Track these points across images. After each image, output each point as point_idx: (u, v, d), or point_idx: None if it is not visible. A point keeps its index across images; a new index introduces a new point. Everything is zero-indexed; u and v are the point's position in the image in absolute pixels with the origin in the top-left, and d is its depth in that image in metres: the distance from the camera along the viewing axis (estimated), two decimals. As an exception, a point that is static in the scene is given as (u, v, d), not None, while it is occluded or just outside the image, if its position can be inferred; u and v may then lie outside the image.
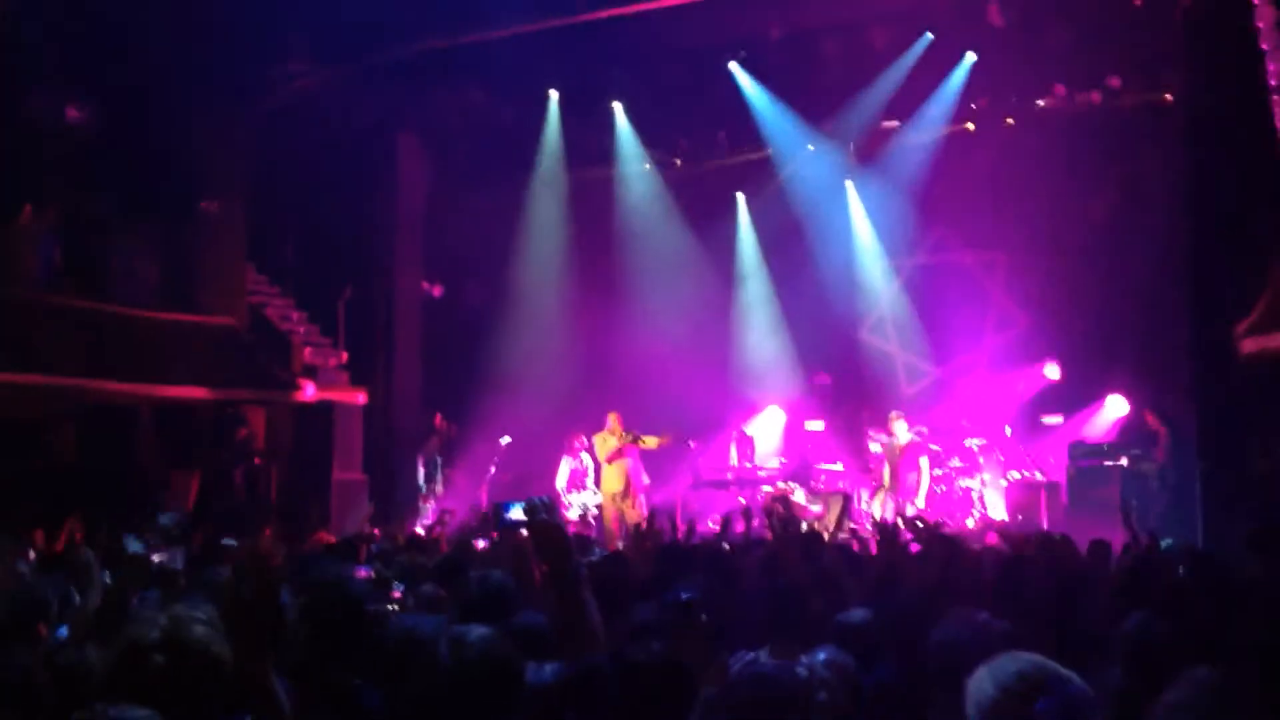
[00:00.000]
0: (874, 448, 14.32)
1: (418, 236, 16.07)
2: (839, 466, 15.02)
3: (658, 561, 5.94)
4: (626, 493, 13.41)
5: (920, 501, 13.15)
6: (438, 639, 2.86)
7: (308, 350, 14.55)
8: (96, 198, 12.80)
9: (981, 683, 1.99)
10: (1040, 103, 14.74)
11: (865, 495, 14.19)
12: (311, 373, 14.22)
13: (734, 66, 15.32)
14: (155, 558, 5.26)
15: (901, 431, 13.47)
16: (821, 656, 3.37)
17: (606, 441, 13.57)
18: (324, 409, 14.32)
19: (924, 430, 13.90)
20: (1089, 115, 14.50)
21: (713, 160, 16.88)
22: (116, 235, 12.61)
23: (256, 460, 13.36)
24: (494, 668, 2.79)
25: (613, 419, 13.63)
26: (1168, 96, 13.54)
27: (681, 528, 8.16)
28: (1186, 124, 12.22)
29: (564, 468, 13.96)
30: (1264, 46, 5.30)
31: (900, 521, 7.39)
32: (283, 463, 14.38)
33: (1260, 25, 5.03)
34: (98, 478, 11.52)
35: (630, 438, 13.47)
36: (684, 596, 3.28)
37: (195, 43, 12.76)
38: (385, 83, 14.26)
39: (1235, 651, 3.31)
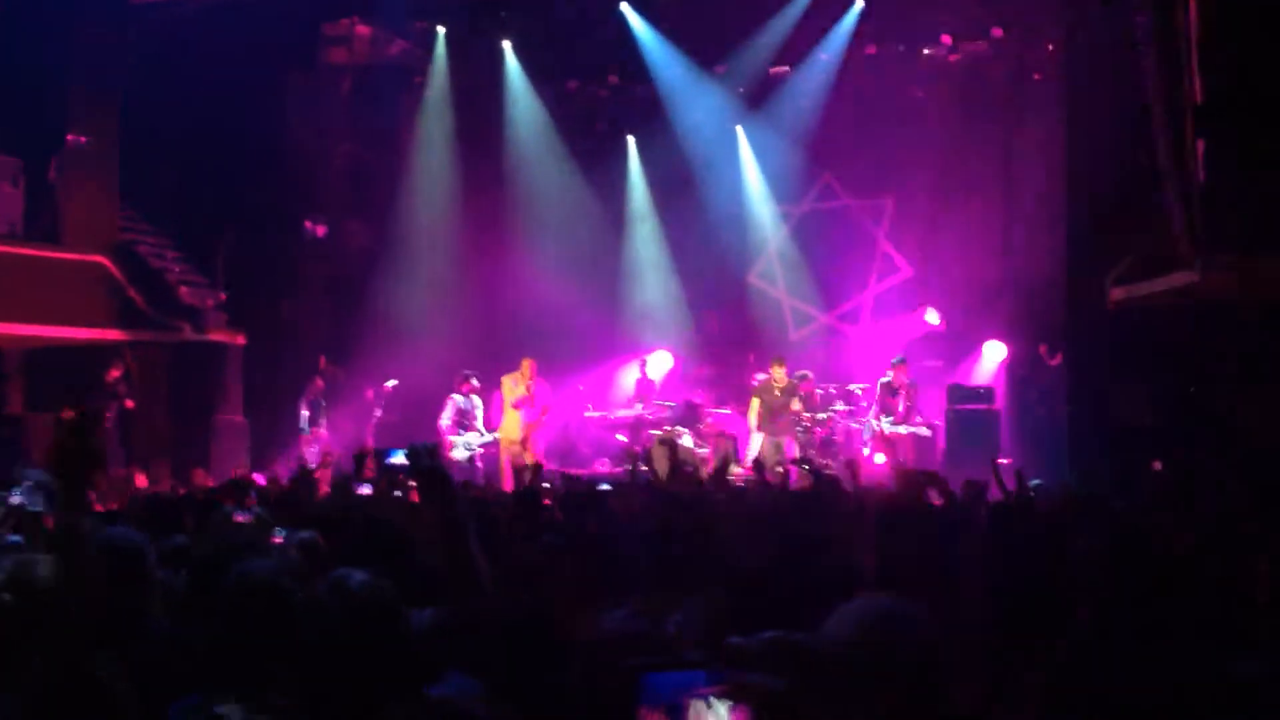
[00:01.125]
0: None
1: (300, 174, 15.65)
2: (725, 410, 15.16)
3: (531, 505, 5.94)
4: (525, 441, 13.35)
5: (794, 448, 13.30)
6: (281, 584, 2.81)
7: (184, 290, 14.11)
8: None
9: (839, 620, 2.05)
10: (926, 51, 14.93)
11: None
12: (189, 313, 13.81)
13: (625, 7, 15.17)
14: (14, 499, 5.04)
15: (779, 376, 13.61)
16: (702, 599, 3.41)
17: (517, 387, 13.44)
18: (203, 350, 13.94)
19: (808, 375, 14.09)
20: (974, 65, 14.77)
21: (603, 102, 16.76)
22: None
23: (128, 404, 12.94)
24: (376, 613, 2.75)
25: (526, 365, 13.48)
26: (1049, 47, 13.85)
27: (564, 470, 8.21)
28: (1062, 77, 12.54)
29: (449, 407, 13.72)
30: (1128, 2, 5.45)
31: (786, 462, 7.49)
32: (160, 405, 13.98)
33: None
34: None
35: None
36: (545, 539, 3.27)
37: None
38: (270, 15, 13.75)
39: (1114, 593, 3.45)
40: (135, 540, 3.51)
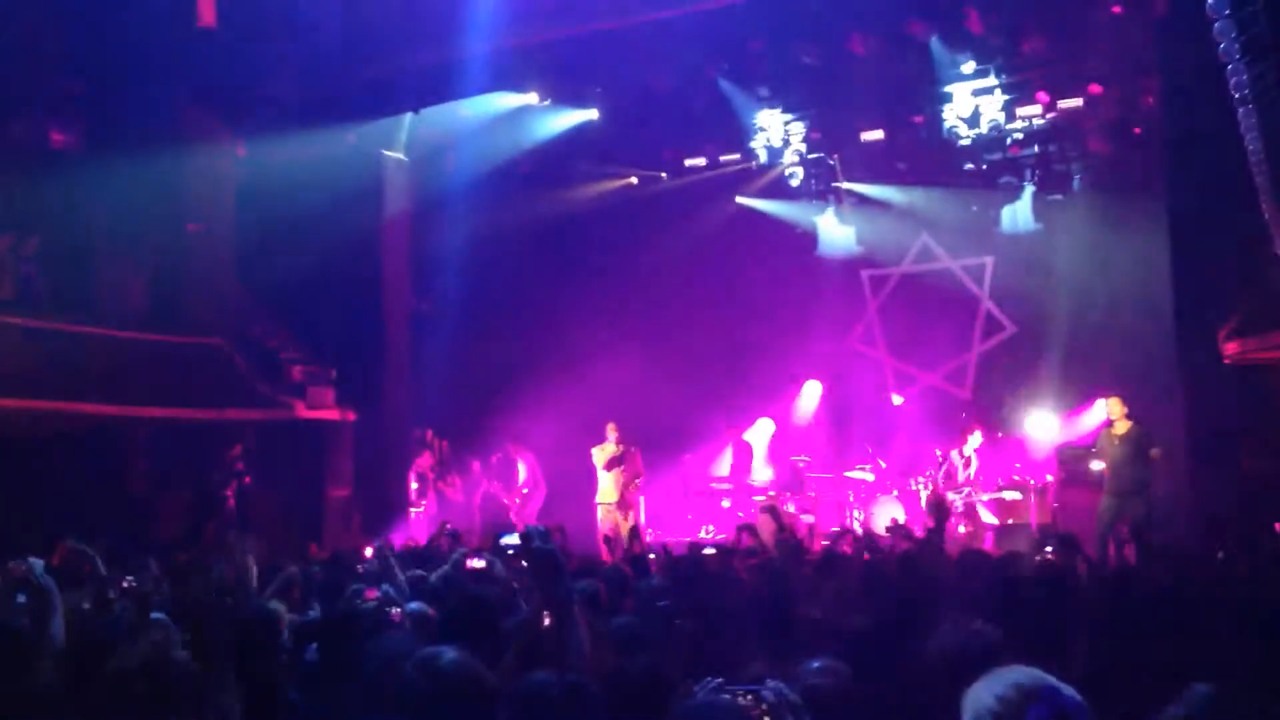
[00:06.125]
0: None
1: (406, 252, 16.07)
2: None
3: (642, 572, 5.98)
4: (623, 504, 13.48)
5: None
6: (406, 659, 2.89)
7: (297, 369, 14.55)
8: (83, 221, 12.82)
9: (979, 694, 2.08)
10: (1022, 110, 14.78)
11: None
12: (301, 391, 14.22)
13: (720, 79, 15.37)
14: (125, 582, 5.27)
15: (1117, 414, 11.30)
16: (815, 664, 3.40)
17: (604, 451, 13.66)
18: (314, 427, 14.32)
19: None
20: (1070, 121, 14.59)
21: (699, 170, 16.93)
22: (104, 257, 12.61)
23: (247, 480, 13.35)
24: (467, 691, 2.82)
25: (611, 429, 13.71)
26: (1149, 100, 13.63)
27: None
28: (1163, 131, 12.33)
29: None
30: (1224, 59, 5.38)
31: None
32: (273, 481, 14.37)
33: (1220, 39, 5.11)
34: (88, 501, 11.50)
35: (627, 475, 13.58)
36: (661, 604, 3.31)
37: (181, 64, 12.82)
38: (370, 99, 14.29)
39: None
40: (268, 613, 3.64)
